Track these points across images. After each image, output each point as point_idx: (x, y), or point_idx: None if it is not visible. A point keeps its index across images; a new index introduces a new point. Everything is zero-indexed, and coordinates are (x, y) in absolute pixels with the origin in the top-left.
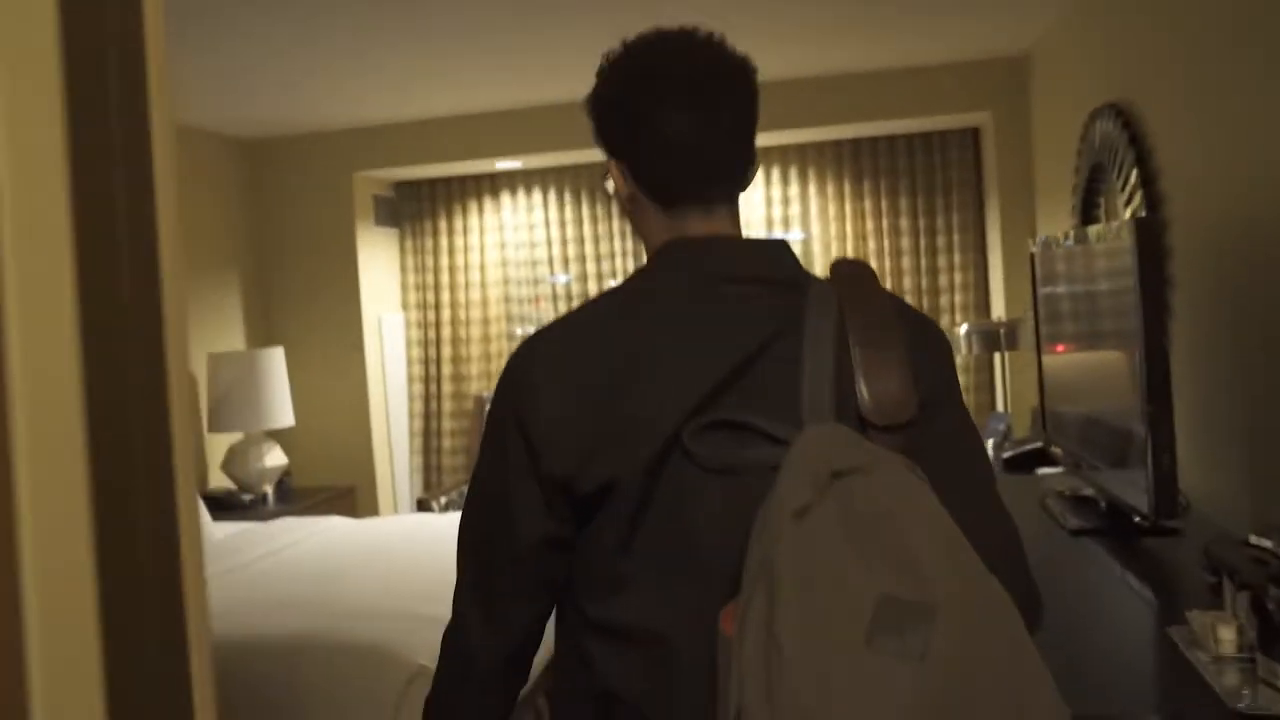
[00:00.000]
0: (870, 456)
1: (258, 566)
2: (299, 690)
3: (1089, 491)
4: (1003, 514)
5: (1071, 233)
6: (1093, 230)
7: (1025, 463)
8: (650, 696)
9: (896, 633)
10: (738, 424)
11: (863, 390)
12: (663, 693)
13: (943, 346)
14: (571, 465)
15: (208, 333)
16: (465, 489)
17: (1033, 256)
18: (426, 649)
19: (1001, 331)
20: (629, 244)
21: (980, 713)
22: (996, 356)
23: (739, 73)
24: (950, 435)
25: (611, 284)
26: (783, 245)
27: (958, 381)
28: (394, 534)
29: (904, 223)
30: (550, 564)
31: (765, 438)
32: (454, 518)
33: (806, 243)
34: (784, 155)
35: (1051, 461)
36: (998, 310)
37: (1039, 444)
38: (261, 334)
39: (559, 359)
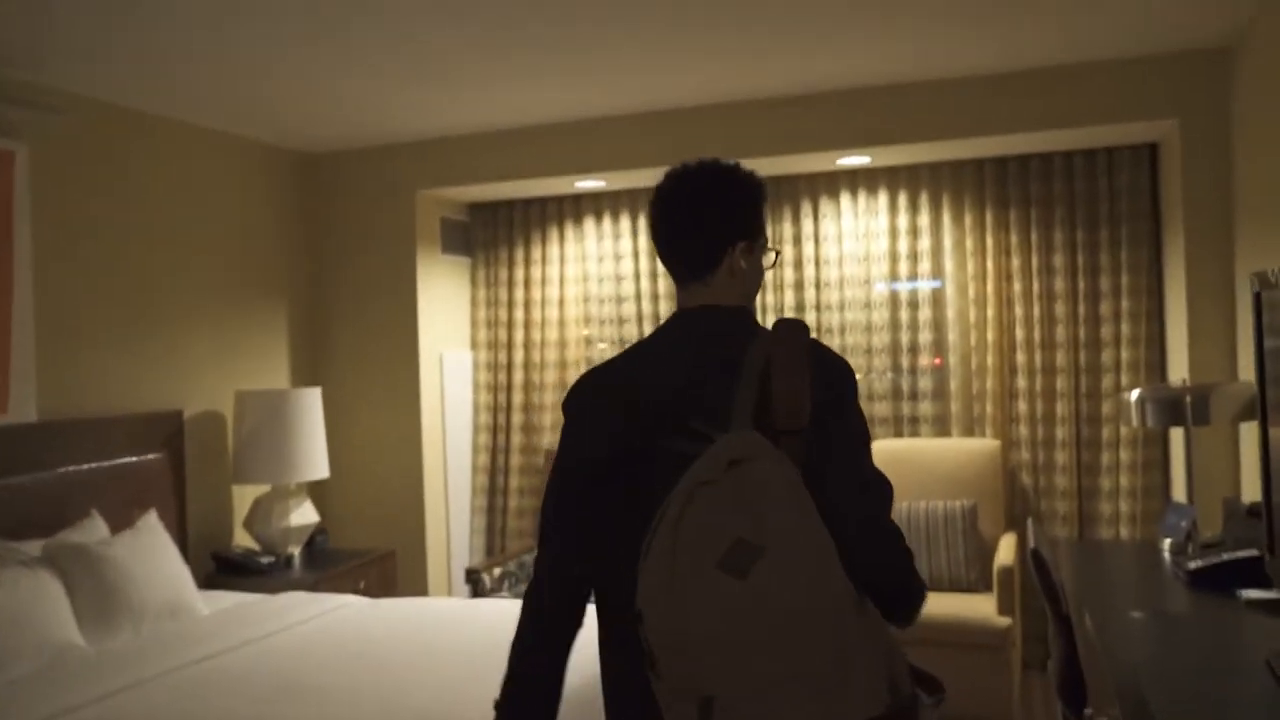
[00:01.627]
0: (759, 450)
1: (213, 664)
2: None
3: None
4: (868, 499)
5: None
6: None
7: (1222, 579)
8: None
9: (736, 561)
10: (691, 429)
11: (775, 405)
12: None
13: (837, 377)
14: (596, 456)
15: (248, 366)
16: (527, 560)
17: (1258, 298)
18: None
19: (1188, 400)
20: None
21: (785, 618)
22: (1175, 432)
23: (713, 193)
24: (834, 439)
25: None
26: (740, 310)
27: (850, 401)
28: (411, 626)
29: (1058, 260)
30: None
31: (705, 438)
32: (495, 605)
33: (939, 292)
34: (913, 177)
35: (1262, 579)
36: (1178, 371)
37: (1251, 553)
38: (308, 371)
39: (594, 386)
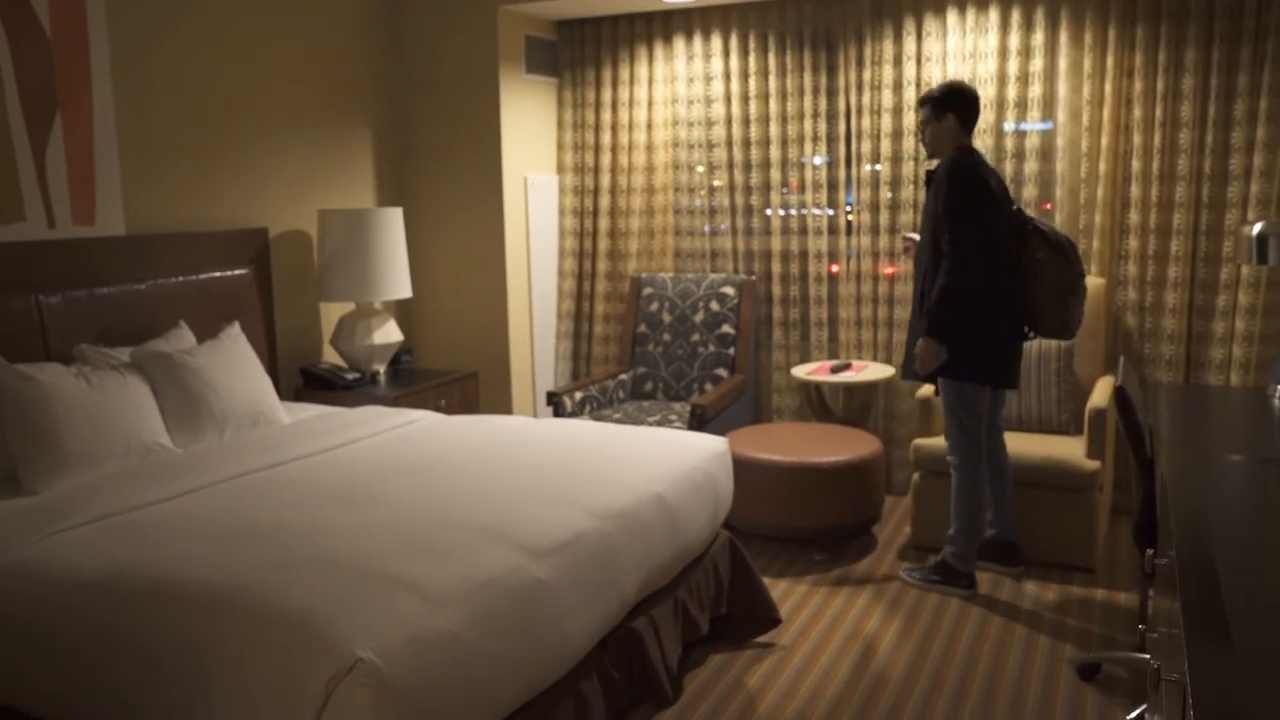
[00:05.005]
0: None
1: (282, 470)
2: (207, 666)
3: None
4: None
5: None
6: None
7: None
8: None
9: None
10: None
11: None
12: None
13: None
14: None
15: (334, 187)
16: (610, 385)
17: None
18: (376, 633)
19: None
20: (822, 102)
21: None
22: None
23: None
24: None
25: (796, 153)
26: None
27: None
28: (479, 440)
29: (1187, 83)
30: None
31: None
32: (569, 423)
33: (1049, 134)
34: None
35: None
36: None
37: None
38: (392, 193)
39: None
